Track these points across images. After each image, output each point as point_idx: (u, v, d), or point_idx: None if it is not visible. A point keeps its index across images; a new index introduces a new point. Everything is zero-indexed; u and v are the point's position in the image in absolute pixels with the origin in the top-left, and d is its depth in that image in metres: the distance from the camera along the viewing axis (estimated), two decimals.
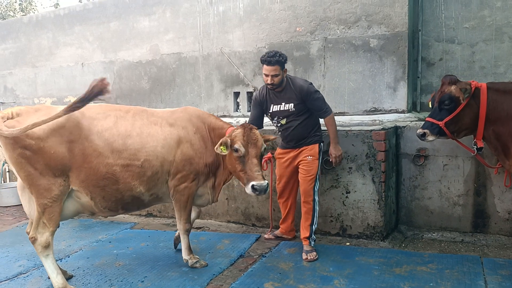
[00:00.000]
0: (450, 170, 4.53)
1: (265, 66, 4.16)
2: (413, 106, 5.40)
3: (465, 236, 4.48)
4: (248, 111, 5.94)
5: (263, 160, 4.28)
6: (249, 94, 5.99)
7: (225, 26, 6.08)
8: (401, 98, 5.16)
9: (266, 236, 4.80)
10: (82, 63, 7.34)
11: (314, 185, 4.27)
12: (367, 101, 5.32)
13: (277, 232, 4.80)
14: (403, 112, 5.13)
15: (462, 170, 4.49)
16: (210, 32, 6.20)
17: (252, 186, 3.59)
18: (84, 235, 5.31)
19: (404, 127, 4.77)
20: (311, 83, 4.32)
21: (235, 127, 3.92)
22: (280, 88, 4.27)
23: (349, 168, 4.62)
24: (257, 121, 4.48)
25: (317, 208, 4.30)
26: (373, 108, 5.28)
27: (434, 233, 4.62)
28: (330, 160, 4.36)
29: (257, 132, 3.78)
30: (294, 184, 4.50)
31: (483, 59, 5.05)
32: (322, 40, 5.48)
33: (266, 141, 3.91)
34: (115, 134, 3.71)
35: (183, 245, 4.17)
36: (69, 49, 7.40)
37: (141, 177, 3.77)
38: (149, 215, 6.00)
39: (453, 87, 3.75)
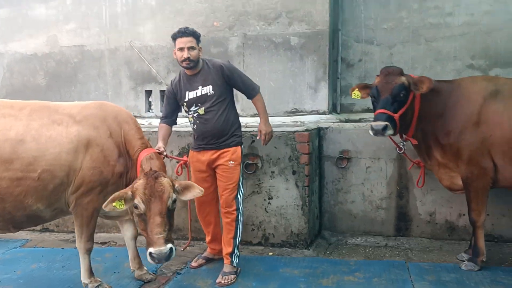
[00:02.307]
0: (373, 172, 4.32)
1: (179, 39, 3.57)
2: (333, 108, 5.15)
3: (388, 240, 4.28)
4: (161, 111, 5.29)
5: (180, 163, 3.69)
6: (162, 92, 5.33)
7: (135, 17, 5.37)
8: (322, 99, 4.88)
9: (193, 264, 3.98)
10: None
11: (237, 193, 3.74)
12: (288, 101, 4.96)
13: (207, 253, 4.07)
14: (324, 113, 4.85)
15: (384, 173, 4.29)
16: (118, 23, 5.44)
17: (150, 253, 2.88)
18: None
19: (326, 128, 4.47)
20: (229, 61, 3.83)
21: (143, 169, 3.18)
22: (196, 69, 3.68)
23: (271, 172, 4.21)
24: (170, 117, 3.88)
25: (241, 218, 3.77)
26: (294, 109, 4.94)
27: (358, 238, 4.37)
28: (258, 137, 3.81)
29: (164, 181, 2.98)
30: (214, 194, 3.88)
31: (401, 60, 4.94)
32: (241, 36, 5.02)
33: (183, 189, 3.10)
34: (0, 139, 2.98)
35: (83, 267, 3.44)
36: None
37: (38, 192, 3.06)
38: (45, 230, 5.08)
39: (404, 78, 3.47)
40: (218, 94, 3.66)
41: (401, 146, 3.73)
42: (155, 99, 5.43)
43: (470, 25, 4.73)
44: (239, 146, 3.77)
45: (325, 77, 4.86)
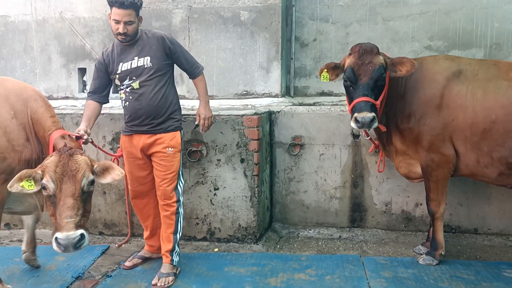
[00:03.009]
0: (327, 160, 3.94)
1: (115, 9, 3.03)
2: (287, 91, 4.73)
3: (342, 232, 3.94)
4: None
5: (112, 158, 3.13)
6: None
7: None
8: (275, 80, 4.44)
9: (127, 263, 3.43)
10: None
11: (177, 184, 3.26)
12: (238, 83, 4.48)
13: (143, 252, 3.54)
14: (276, 96, 4.42)
15: (339, 160, 3.93)
16: None
17: (56, 239, 2.38)
18: None
19: (278, 112, 4.04)
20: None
21: (57, 144, 2.69)
22: (132, 42, 3.18)
23: (217, 160, 3.74)
24: (99, 93, 3.33)
25: (181, 211, 3.30)
26: (245, 91, 4.48)
27: (310, 230, 4.00)
28: (197, 122, 3.34)
29: (80, 159, 2.52)
30: (152, 182, 3.35)
31: (357, 40, 4.46)
32: (186, 8, 4.47)
33: (102, 170, 2.62)
34: None
35: None
36: None
37: None
38: None
39: (382, 58, 3.04)
40: (156, 68, 3.16)
41: (368, 132, 3.35)
42: (90, 78, 4.75)
43: (429, 4, 4.42)
44: (178, 131, 3.29)
45: (277, 57, 4.41)
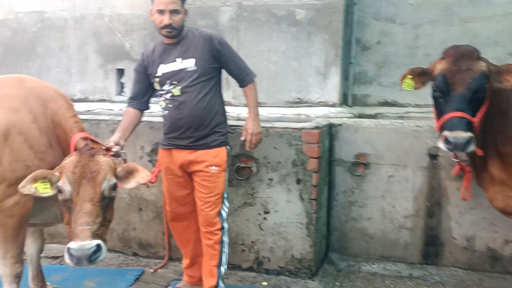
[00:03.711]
0: (397, 183, 3.31)
1: None
2: (344, 99, 4.12)
3: (413, 270, 3.30)
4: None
5: (152, 175, 2.64)
6: None
7: None
8: (333, 87, 3.84)
9: None
10: None
11: (221, 208, 2.76)
12: (291, 90, 3.92)
13: (182, 283, 3.04)
14: (334, 105, 3.82)
15: (411, 184, 3.29)
16: None
17: (68, 249, 2.02)
18: None
19: (339, 125, 3.44)
20: None
21: (77, 144, 2.36)
22: (178, 38, 2.71)
23: (269, 179, 3.19)
24: (140, 99, 2.89)
25: (226, 240, 2.79)
26: (298, 99, 3.90)
27: (374, 264, 3.38)
28: (243, 138, 2.81)
29: (102, 160, 2.19)
30: (194, 203, 2.85)
31: (429, 44, 3.90)
32: (235, 6, 3.94)
33: (126, 173, 2.27)
34: None
35: None
36: None
37: None
38: None
39: (484, 65, 2.44)
40: (201, 71, 2.67)
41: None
42: (129, 80, 4.31)
43: None
44: (224, 147, 2.79)
45: (337, 61, 3.82)
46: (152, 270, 3.36)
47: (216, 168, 2.72)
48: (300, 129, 3.11)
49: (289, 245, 3.19)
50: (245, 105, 2.95)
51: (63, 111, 2.49)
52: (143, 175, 2.25)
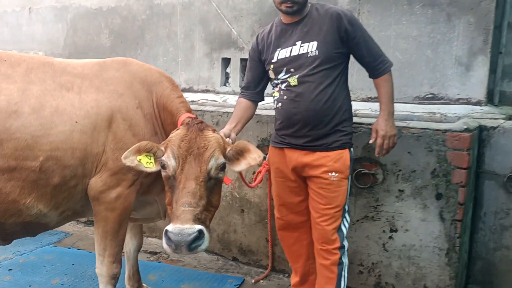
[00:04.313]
0: None
1: None
2: (489, 96, 3.33)
3: None
4: (241, 85, 3.86)
5: (256, 173, 2.24)
6: (244, 62, 3.89)
7: None
8: (478, 82, 3.10)
9: None
10: (29, 8, 5.20)
11: (341, 223, 2.25)
12: (422, 83, 3.24)
13: None
14: (478, 103, 3.07)
15: None
16: None
17: (166, 232, 1.77)
18: None
19: (493, 128, 2.71)
20: None
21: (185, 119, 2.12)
22: (299, 15, 2.25)
23: (399, 191, 2.59)
24: (253, 89, 2.50)
25: (346, 261, 2.29)
26: (431, 94, 3.22)
27: None
28: (372, 141, 2.29)
29: (211, 136, 1.92)
30: (308, 212, 2.39)
31: None
32: None
33: (236, 154, 1.99)
34: None
35: None
36: None
37: (40, 188, 2.03)
38: (90, 222, 3.97)
39: None
40: (324, 57, 2.20)
41: None
42: (234, 70, 3.99)
43: None
44: (347, 149, 2.28)
45: (485, 50, 3.07)
46: (253, 281, 2.98)
47: (337, 174, 2.23)
48: (445, 131, 2.47)
49: (421, 273, 2.57)
50: (369, 99, 2.40)
51: (168, 92, 2.30)
52: (254, 155, 1.98)
